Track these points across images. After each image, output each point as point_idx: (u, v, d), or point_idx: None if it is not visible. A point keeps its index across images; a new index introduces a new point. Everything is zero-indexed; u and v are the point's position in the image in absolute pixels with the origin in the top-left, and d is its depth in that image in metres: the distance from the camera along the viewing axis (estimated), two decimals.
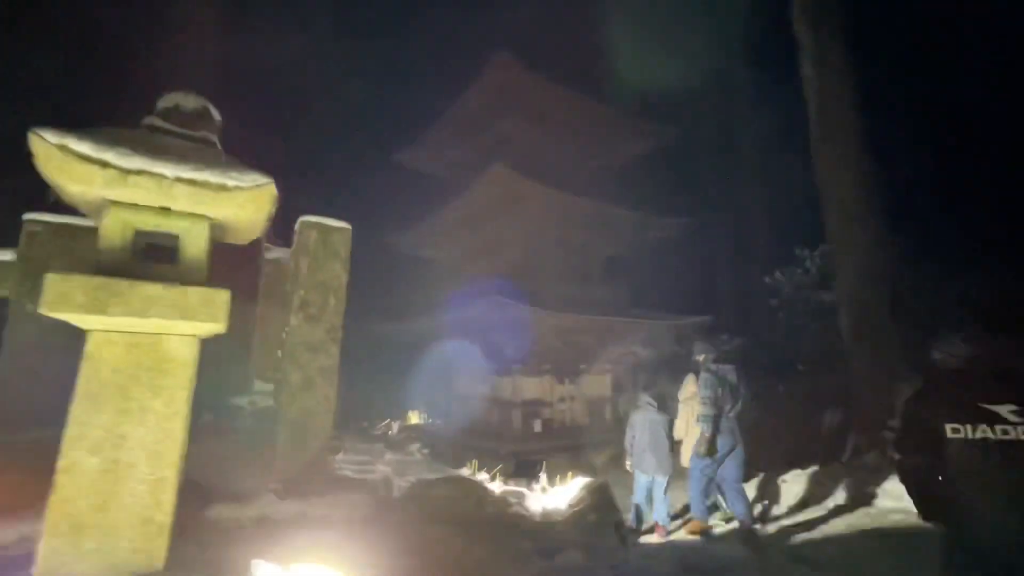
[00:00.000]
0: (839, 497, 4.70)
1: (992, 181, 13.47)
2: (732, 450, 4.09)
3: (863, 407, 5.97)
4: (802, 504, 4.75)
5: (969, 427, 1.63)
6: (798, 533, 4.02)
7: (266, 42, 16.85)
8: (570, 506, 2.89)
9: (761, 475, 5.54)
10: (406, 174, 15.46)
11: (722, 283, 16.49)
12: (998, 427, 1.59)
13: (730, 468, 4.11)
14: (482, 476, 3.75)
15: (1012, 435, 1.57)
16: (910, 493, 1.83)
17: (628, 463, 4.77)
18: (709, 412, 4.03)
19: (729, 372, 4.23)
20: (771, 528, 4.32)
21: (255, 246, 5.54)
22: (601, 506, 2.94)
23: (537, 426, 11.09)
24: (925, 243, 8.80)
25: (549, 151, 12.22)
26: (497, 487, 3.10)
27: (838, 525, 4.10)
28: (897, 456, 1.90)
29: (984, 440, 1.60)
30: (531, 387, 11.29)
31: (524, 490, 2.96)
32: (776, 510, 4.81)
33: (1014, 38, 14.75)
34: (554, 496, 2.99)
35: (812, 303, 8.48)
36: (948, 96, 15.39)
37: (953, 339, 1.90)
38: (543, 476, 3.05)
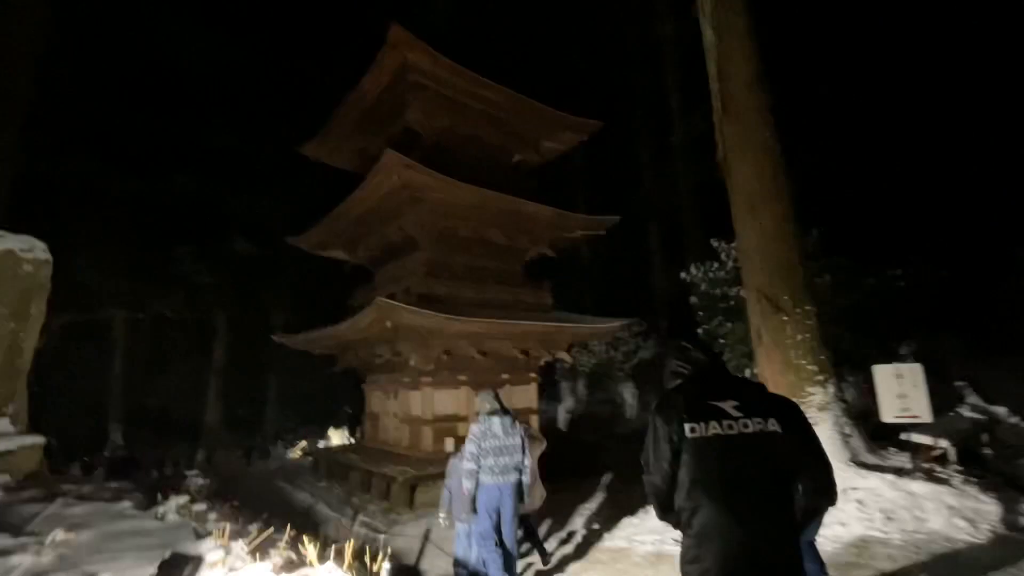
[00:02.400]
0: None
1: (916, 164, 12.89)
2: (499, 510, 4.02)
3: None
4: None
5: (703, 425, 1.71)
6: None
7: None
8: None
9: None
10: (315, 168, 14.26)
11: (654, 282, 15.88)
12: (724, 422, 1.70)
13: (504, 531, 4.05)
14: (236, 548, 2.62)
15: (735, 429, 1.69)
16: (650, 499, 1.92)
17: (441, 516, 4.93)
18: (468, 467, 4.11)
19: (496, 424, 4.16)
20: None
21: None
22: None
23: (450, 444, 9.99)
24: (841, 232, 8.20)
25: (462, 143, 11.21)
26: None
27: None
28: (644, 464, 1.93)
29: (715, 436, 1.69)
30: (444, 401, 10.19)
31: None
32: None
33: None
34: None
35: (728, 300, 7.73)
36: (867, 67, 14.60)
37: (684, 346, 2.03)
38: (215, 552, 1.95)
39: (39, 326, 3.92)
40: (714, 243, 8.08)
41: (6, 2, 6.46)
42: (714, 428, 1.69)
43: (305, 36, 20.48)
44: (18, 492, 3.20)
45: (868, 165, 13.18)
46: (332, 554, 2.76)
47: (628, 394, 14.83)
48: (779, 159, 5.53)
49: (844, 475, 4.11)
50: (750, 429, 1.68)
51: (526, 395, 11.31)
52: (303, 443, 15.60)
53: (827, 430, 4.51)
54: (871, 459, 4.43)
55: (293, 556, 2.71)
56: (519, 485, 4.19)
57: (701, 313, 8.65)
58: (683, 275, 8.67)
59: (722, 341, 8.11)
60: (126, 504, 3.29)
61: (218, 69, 18.32)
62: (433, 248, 10.38)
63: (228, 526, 2.95)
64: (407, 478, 8.65)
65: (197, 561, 2.12)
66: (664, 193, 17.04)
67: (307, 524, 7.80)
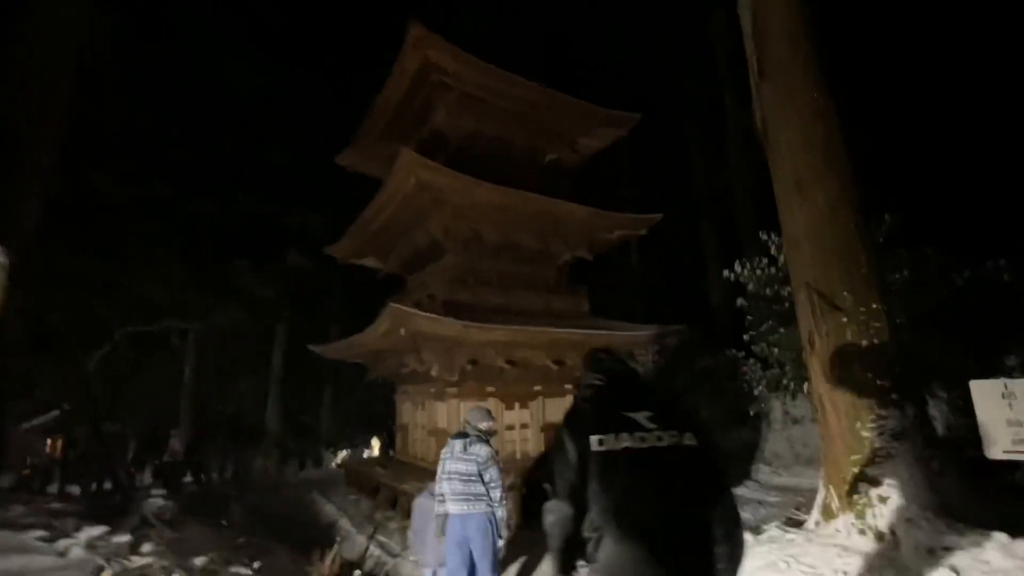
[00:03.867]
0: None
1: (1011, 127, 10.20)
2: (468, 547, 3.63)
3: (826, 450, 4.10)
4: None
5: (612, 437, 1.50)
6: None
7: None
8: None
9: None
10: (363, 181, 14.33)
11: (709, 285, 14.51)
12: (637, 434, 1.50)
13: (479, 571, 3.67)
14: None
15: (648, 442, 1.49)
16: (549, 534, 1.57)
17: (412, 559, 4.77)
18: (436, 489, 3.93)
19: (458, 447, 3.82)
20: None
21: None
22: None
23: None
24: (926, 217, 6.70)
25: (491, 144, 10.73)
26: None
27: None
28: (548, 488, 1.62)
29: (625, 450, 1.48)
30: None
31: None
32: None
33: None
34: None
35: (782, 302, 6.57)
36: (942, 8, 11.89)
37: (599, 356, 1.85)
38: None
39: None
40: (763, 236, 6.93)
41: (40, 20, 6.56)
42: (624, 441, 1.48)
43: (349, 50, 21.04)
44: None
45: (963, 133, 10.81)
46: None
47: None
48: (834, 125, 4.49)
49: (930, 529, 3.06)
50: (664, 443, 1.48)
51: (562, 408, 10.47)
52: (344, 453, 15.58)
53: (904, 467, 3.42)
54: (972, 508, 3.31)
55: None
56: (488, 519, 3.67)
57: (750, 317, 7.50)
58: (727, 273, 7.55)
59: (775, 350, 6.93)
60: (33, 535, 2.94)
61: (269, 91, 19.14)
62: (459, 253, 9.92)
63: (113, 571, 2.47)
64: (431, 491, 8.11)
65: None
66: (719, 190, 15.69)
67: (325, 541, 7.47)
